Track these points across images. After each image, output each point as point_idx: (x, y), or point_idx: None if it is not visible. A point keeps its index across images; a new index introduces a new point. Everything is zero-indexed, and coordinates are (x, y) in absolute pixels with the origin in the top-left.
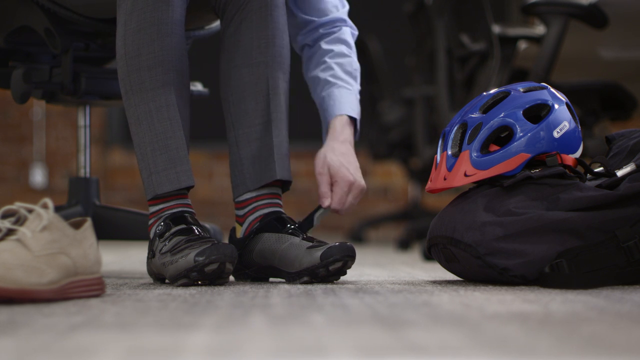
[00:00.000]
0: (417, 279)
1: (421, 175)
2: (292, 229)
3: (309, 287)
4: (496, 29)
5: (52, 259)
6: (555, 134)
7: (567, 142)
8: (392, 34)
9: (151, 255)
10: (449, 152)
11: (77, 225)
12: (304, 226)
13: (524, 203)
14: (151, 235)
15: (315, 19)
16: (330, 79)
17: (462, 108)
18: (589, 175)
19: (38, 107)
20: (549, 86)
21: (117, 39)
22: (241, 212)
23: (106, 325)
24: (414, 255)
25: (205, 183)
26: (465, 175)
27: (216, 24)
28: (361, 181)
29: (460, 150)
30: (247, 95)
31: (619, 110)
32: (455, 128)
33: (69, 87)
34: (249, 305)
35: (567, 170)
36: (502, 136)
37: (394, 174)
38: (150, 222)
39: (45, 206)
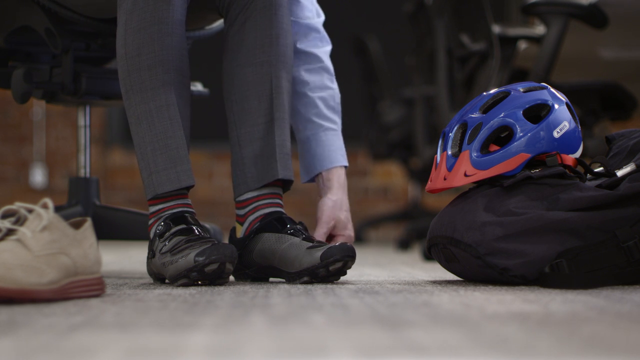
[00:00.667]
0: (417, 279)
1: (421, 175)
2: (292, 229)
3: (309, 287)
4: (496, 29)
5: (52, 259)
6: (555, 134)
7: (567, 142)
8: (392, 34)
9: (151, 255)
10: (449, 152)
11: (77, 225)
12: None
13: (524, 203)
14: (151, 235)
15: (293, 18)
16: (315, 119)
17: (462, 108)
18: (589, 175)
19: (38, 107)
20: (549, 86)
21: (117, 38)
22: (242, 212)
23: (106, 325)
24: (414, 255)
25: (205, 183)
26: (465, 175)
27: (217, 24)
28: (352, 233)
29: (460, 150)
30: (250, 94)
31: (619, 110)
32: (455, 128)
33: (70, 87)
34: (249, 305)
35: (567, 170)
36: (502, 136)
37: (394, 174)
38: (150, 222)
39: (45, 206)
